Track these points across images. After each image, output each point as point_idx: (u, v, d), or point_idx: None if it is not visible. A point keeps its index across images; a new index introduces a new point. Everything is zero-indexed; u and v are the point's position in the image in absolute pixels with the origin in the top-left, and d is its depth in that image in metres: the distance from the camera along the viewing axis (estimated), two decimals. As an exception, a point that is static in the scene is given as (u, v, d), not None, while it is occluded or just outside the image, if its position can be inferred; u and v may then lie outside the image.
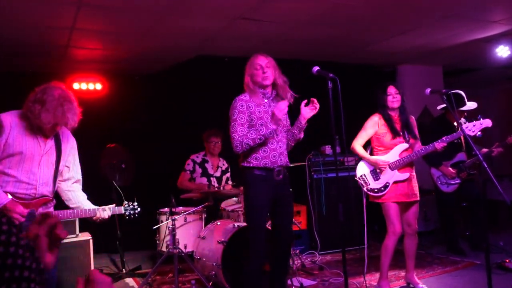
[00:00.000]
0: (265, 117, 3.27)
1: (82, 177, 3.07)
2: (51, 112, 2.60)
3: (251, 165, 3.26)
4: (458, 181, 5.02)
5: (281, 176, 3.32)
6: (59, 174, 2.89)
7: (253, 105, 3.26)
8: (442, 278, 4.37)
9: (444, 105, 4.93)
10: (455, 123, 5.00)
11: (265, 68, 3.27)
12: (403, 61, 7.08)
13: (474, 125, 3.72)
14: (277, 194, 3.31)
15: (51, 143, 2.78)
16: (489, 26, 5.28)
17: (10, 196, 2.64)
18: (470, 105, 4.83)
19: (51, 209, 2.86)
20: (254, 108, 3.26)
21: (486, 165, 2.79)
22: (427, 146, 3.82)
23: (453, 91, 4.64)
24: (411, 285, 4.07)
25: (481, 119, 3.74)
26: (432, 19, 4.89)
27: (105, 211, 2.92)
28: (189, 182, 5.20)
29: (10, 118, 2.65)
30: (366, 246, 4.10)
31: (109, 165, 5.04)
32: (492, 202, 6.46)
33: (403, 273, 4.41)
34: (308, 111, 3.29)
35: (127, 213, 3.19)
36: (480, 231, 5.27)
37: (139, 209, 3.24)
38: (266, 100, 3.33)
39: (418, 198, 3.95)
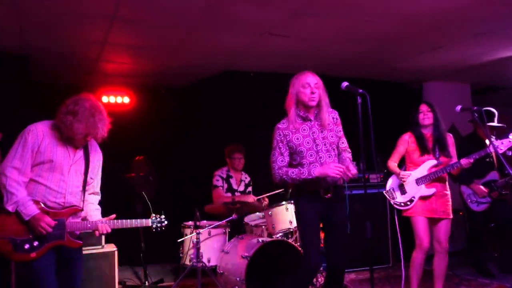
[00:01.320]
0: (305, 142, 3.15)
1: (109, 190, 3.10)
2: (83, 123, 2.68)
3: (299, 189, 3.22)
4: (489, 200, 4.91)
5: (329, 194, 3.15)
6: (87, 185, 2.93)
7: (290, 133, 3.16)
8: (470, 301, 4.25)
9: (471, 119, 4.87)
10: (486, 140, 4.90)
11: (314, 88, 3.13)
12: (430, 78, 7.00)
13: (502, 143, 3.70)
14: (327, 214, 3.17)
15: (80, 153, 2.85)
16: (518, 44, 5.20)
17: (39, 205, 2.69)
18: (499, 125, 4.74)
19: (79, 219, 2.89)
20: (292, 136, 3.15)
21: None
22: (452, 163, 3.85)
23: (485, 108, 4.55)
24: None
25: (510, 136, 3.71)
26: (461, 36, 4.84)
27: (105, 225, 2.87)
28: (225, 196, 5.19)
29: (43, 127, 2.74)
30: (402, 260, 4.05)
31: (137, 177, 5.10)
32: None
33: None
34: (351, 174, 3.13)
35: (154, 225, 3.18)
36: (510, 253, 5.12)
37: (166, 222, 3.23)
38: (307, 122, 3.20)
39: (450, 217, 3.93)
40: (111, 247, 4.41)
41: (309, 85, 3.13)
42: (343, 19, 4.18)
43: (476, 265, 5.26)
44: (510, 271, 5.07)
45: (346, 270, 5.32)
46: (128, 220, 3.00)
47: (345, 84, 2.99)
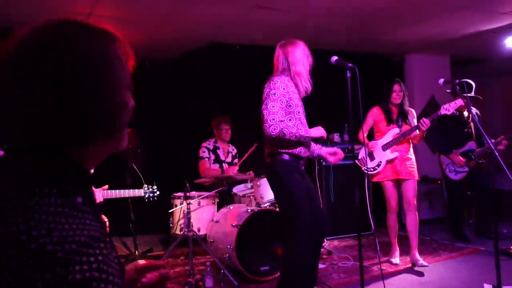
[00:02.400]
0: (299, 105, 3.17)
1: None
2: None
3: (285, 150, 3.10)
4: (467, 169, 5.14)
5: (303, 167, 3.26)
6: None
7: (292, 91, 3.10)
8: (447, 263, 4.50)
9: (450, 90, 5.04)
10: (465, 112, 5.11)
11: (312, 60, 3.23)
12: (411, 51, 7.13)
13: (449, 105, 4.07)
14: (305, 180, 3.23)
15: None
16: (498, 18, 5.34)
17: None
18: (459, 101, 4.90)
19: None
20: (293, 95, 3.10)
21: (497, 154, 2.88)
22: (413, 126, 4.29)
23: (464, 80, 4.77)
24: (414, 263, 4.35)
25: (456, 100, 4.11)
26: (442, 10, 4.94)
27: (98, 194, 3.00)
28: (212, 169, 5.30)
29: None
30: (373, 225, 4.24)
31: (126, 150, 5.14)
32: (499, 191, 6.57)
33: (409, 258, 4.56)
34: (330, 159, 3.29)
35: (146, 195, 3.31)
36: (485, 219, 5.40)
37: (158, 192, 3.36)
38: (301, 91, 3.20)
39: (414, 178, 4.37)
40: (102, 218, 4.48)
41: (311, 57, 3.24)
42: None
43: (454, 231, 5.52)
44: (484, 236, 5.36)
45: (329, 238, 5.59)
46: (122, 190, 3.14)
47: (334, 58, 3.06)
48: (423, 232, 4.46)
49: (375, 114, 4.56)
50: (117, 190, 3.11)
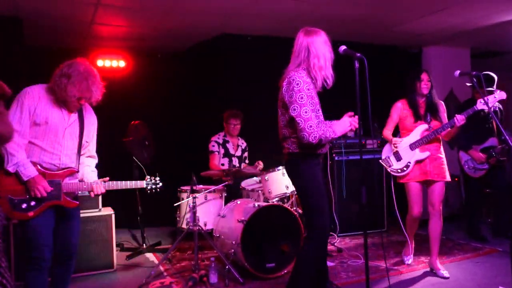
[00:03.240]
0: (319, 103, 2.97)
1: (106, 154, 3.14)
2: (77, 86, 2.73)
3: (310, 151, 2.96)
4: (486, 166, 4.91)
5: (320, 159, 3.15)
6: (82, 148, 2.99)
7: (312, 89, 2.90)
8: (462, 264, 4.33)
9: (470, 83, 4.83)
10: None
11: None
12: (429, 43, 6.90)
13: (488, 99, 3.69)
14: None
15: (74, 117, 2.90)
16: (521, 8, 5.10)
17: (37, 167, 2.77)
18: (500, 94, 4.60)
19: (76, 181, 2.96)
20: (314, 92, 2.92)
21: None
22: (445, 124, 3.88)
23: (484, 72, 4.50)
24: (434, 271, 4.04)
25: (496, 92, 3.80)
26: (463, 0, 4.73)
27: (100, 186, 2.96)
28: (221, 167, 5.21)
29: (38, 90, 2.79)
30: (402, 226, 4.12)
31: (133, 141, 5.09)
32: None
33: (423, 258, 4.40)
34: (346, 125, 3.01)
35: (148, 187, 3.26)
36: (504, 218, 5.18)
37: (161, 183, 3.30)
38: (318, 86, 2.99)
39: (444, 179, 3.99)
40: (108, 211, 4.45)
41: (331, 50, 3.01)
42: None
43: (470, 230, 5.33)
44: (502, 236, 5.14)
45: (340, 235, 5.46)
46: (123, 182, 3.10)
47: (342, 48, 2.92)
48: (442, 229, 4.31)
49: (399, 109, 4.10)
50: (119, 182, 3.06)
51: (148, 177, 3.30)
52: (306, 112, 2.79)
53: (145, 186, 3.24)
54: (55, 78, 2.75)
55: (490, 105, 3.66)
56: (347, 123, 2.94)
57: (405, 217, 4.20)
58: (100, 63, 6.26)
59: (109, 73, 6.23)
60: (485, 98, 3.68)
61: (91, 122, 3.04)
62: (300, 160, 2.97)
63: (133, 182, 3.16)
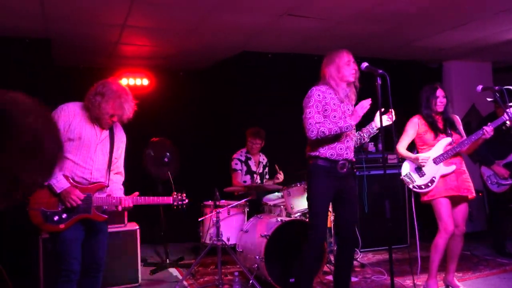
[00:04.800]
0: (338, 110, 3.28)
1: (130, 171, 3.29)
2: (110, 103, 2.87)
3: (317, 153, 3.28)
4: (510, 182, 4.86)
5: (345, 170, 3.31)
6: (112, 164, 3.09)
7: (329, 97, 3.27)
8: (488, 280, 4.27)
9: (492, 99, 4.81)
10: (508, 122, 4.84)
11: (354, 65, 3.29)
12: (450, 57, 6.88)
13: None
14: (340, 188, 3.33)
15: (106, 134, 3.03)
16: (543, 21, 5.07)
17: (69, 180, 2.88)
18: None
19: (105, 195, 3.04)
20: (330, 100, 3.26)
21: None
22: (471, 135, 3.78)
23: (506, 87, 4.47)
24: None
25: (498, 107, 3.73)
26: (484, 14, 4.75)
27: (128, 199, 3.05)
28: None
29: (73, 107, 2.95)
30: (418, 243, 4.08)
31: (150, 158, 5.17)
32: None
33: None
34: (383, 120, 3.22)
35: (175, 203, 3.30)
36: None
37: (187, 200, 3.35)
38: (340, 95, 3.34)
39: (472, 194, 3.86)
40: (133, 226, 4.53)
41: (351, 62, 3.29)
42: (363, -1, 4.14)
43: (495, 246, 5.26)
44: (529, 252, 5.06)
45: (363, 250, 5.43)
46: (150, 197, 3.17)
47: (365, 64, 2.99)
48: (463, 246, 4.25)
49: (417, 125, 3.95)
50: (147, 197, 3.14)
51: (175, 193, 3.35)
52: (309, 112, 3.22)
53: (171, 202, 3.30)
54: (89, 96, 2.90)
55: None
56: (358, 112, 3.21)
57: (428, 234, 4.04)
58: (124, 81, 6.42)
59: (133, 91, 6.18)
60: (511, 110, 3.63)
61: (121, 140, 3.15)
62: (309, 165, 3.34)
63: (160, 198, 3.23)
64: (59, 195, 2.81)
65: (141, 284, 4.45)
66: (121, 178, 3.23)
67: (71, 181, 2.87)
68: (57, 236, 2.86)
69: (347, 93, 3.38)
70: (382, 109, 3.16)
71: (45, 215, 2.81)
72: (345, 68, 3.27)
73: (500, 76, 7.55)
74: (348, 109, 3.35)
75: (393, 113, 3.32)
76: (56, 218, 2.83)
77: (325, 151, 3.26)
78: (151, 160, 5.19)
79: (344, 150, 3.30)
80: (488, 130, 3.68)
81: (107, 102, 2.86)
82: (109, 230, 3.91)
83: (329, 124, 3.17)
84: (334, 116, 3.25)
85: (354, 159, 3.43)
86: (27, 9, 4.09)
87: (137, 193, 3.14)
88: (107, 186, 3.06)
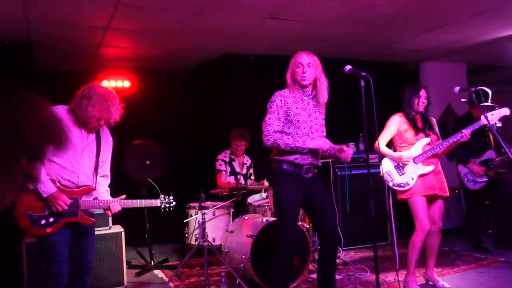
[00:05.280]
0: (302, 114, 3.25)
1: (113, 174, 3.28)
2: (97, 107, 2.87)
3: (281, 157, 3.26)
4: (486, 179, 5.03)
5: (310, 174, 3.30)
6: (99, 167, 3.10)
7: (292, 101, 3.24)
8: (466, 275, 4.41)
9: (467, 99, 4.99)
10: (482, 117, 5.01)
11: (305, 67, 3.21)
12: (426, 59, 7.07)
13: (492, 115, 3.79)
14: (307, 192, 3.30)
15: (92, 137, 3.03)
16: (515, 24, 5.28)
17: (56, 184, 2.87)
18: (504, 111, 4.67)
19: (92, 198, 3.06)
20: (292, 104, 3.23)
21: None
22: (450, 137, 3.89)
23: (480, 88, 4.65)
24: (431, 282, 4.10)
25: (498, 108, 3.85)
26: (458, 17, 4.90)
27: (116, 204, 3.06)
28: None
29: (60, 111, 2.94)
30: (395, 241, 4.16)
31: (130, 161, 5.15)
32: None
33: (417, 271, 4.48)
34: (344, 156, 3.34)
35: (162, 205, 3.34)
36: (505, 229, 5.29)
37: (174, 203, 3.38)
38: (305, 98, 3.30)
39: (446, 194, 3.98)
40: (118, 228, 4.52)
41: (302, 65, 3.23)
42: (344, 3, 4.24)
43: (472, 242, 5.42)
44: (504, 247, 5.24)
45: (345, 248, 5.54)
46: (138, 200, 3.19)
47: (348, 67, 3.07)
48: (441, 242, 4.39)
49: (398, 122, 4.01)
50: (134, 200, 3.16)
51: (162, 196, 3.38)
52: (269, 118, 3.23)
53: (159, 205, 3.33)
54: (76, 99, 2.90)
55: (494, 120, 3.76)
56: (323, 142, 3.22)
57: (407, 232, 4.11)
58: (105, 83, 6.39)
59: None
60: (490, 113, 3.78)
61: (108, 143, 3.16)
62: (273, 169, 3.33)
63: (148, 200, 3.26)
64: (46, 200, 2.81)
65: (127, 287, 4.45)
66: (107, 181, 3.25)
67: (58, 184, 2.87)
68: (44, 240, 2.87)
69: (310, 95, 3.33)
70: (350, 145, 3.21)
71: (32, 219, 2.81)
72: (295, 71, 3.25)
73: (474, 77, 7.79)
74: (315, 112, 3.33)
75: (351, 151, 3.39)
76: (43, 222, 2.83)
77: (289, 156, 3.23)
78: (132, 164, 5.16)
79: (309, 156, 3.26)
80: (466, 133, 3.80)
81: (94, 106, 2.86)
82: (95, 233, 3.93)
83: (287, 139, 3.17)
84: (298, 120, 3.23)
85: (320, 164, 3.42)
86: (9, 11, 4.05)
87: (124, 196, 3.16)
88: (94, 189, 3.07)
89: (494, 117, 3.79)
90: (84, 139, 2.97)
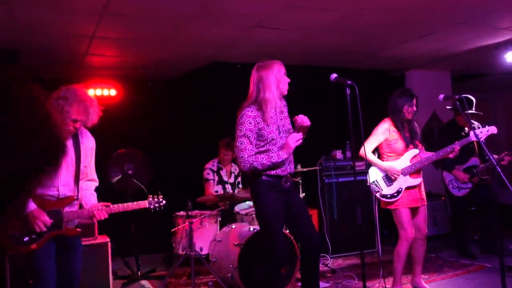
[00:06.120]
0: (274, 129, 3.19)
1: (101, 183, 3.15)
2: (74, 107, 2.71)
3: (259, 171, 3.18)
4: (470, 185, 5.09)
5: (288, 183, 3.28)
6: (81, 173, 2.93)
7: (261, 121, 3.15)
8: (453, 281, 4.44)
9: (452, 107, 5.06)
10: (466, 128, 5.07)
11: (287, 77, 3.24)
12: (411, 67, 7.16)
13: (481, 132, 3.84)
14: (288, 201, 3.28)
15: (69, 143, 2.85)
16: (498, 33, 5.36)
17: (35, 200, 2.73)
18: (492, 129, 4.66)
19: (76, 208, 2.93)
20: (263, 124, 3.15)
21: (500, 170, 2.87)
22: (438, 152, 3.91)
23: (464, 95, 4.70)
24: None
25: (487, 126, 3.88)
26: (442, 26, 4.97)
27: (102, 211, 2.91)
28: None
29: None
30: (380, 250, 4.17)
31: (116, 172, 5.07)
32: (503, 206, 6.52)
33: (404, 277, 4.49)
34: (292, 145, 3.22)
35: (152, 206, 3.20)
36: (490, 235, 5.34)
37: (164, 201, 3.26)
38: (273, 111, 3.23)
39: (425, 203, 4.02)
40: (104, 239, 4.47)
41: (285, 74, 3.24)
42: (331, 12, 4.27)
43: (459, 248, 5.46)
44: (490, 253, 5.28)
45: (333, 256, 5.54)
46: (125, 204, 3.04)
47: (334, 75, 3.09)
48: (428, 249, 4.41)
49: (388, 131, 3.94)
50: (120, 204, 3.02)
51: (151, 196, 3.25)
52: (241, 143, 3.12)
53: (147, 206, 3.18)
54: (51, 101, 2.70)
55: (482, 138, 3.77)
56: (291, 143, 3.13)
57: (393, 239, 4.10)
58: (92, 92, 6.34)
59: (100, 101, 6.21)
60: (478, 130, 3.83)
61: (89, 146, 2.98)
62: (254, 182, 3.23)
63: (135, 202, 3.10)
64: (25, 217, 2.66)
65: (113, 298, 4.40)
66: (93, 184, 3.09)
67: (38, 199, 2.73)
68: (30, 256, 2.75)
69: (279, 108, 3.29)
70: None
71: (13, 238, 2.69)
72: (282, 81, 3.22)
73: (458, 84, 7.90)
74: (280, 114, 3.28)
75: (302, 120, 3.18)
76: (26, 239, 2.71)
77: (270, 171, 3.18)
78: (115, 175, 5.08)
79: (286, 165, 3.25)
80: (456, 150, 3.81)
81: (71, 105, 2.70)
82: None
83: (263, 158, 3.10)
84: (273, 139, 3.17)
85: (293, 170, 3.41)
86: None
87: (109, 203, 3.03)
88: (77, 199, 2.92)
89: (482, 134, 3.83)
90: None
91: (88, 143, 2.98)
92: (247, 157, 3.10)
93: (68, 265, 2.92)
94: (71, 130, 2.80)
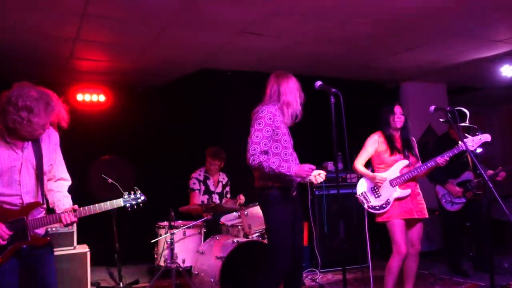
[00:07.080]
0: (287, 134, 3.24)
1: (75, 194, 2.88)
2: (43, 115, 2.44)
3: (270, 183, 3.14)
4: (463, 200, 4.95)
5: (295, 192, 3.29)
6: (46, 175, 2.69)
7: (280, 121, 3.15)
8: (445, 300, 4.28)
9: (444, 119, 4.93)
10: (460, 142, 4.94)
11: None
12: (406, 78, 7.06)
13: (473, 140, 3.71)
14: (293, 213, 3.24)
15: (28, 146, 2.59)
16: (493, 45, 5.28)
17: None
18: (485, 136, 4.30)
19: (42, 214, 2.68)
20: (281, 124, 3.16)
21: (491, 185, 2.74)
22: (428, 162, 3.78)
23: (457, 108, 4.58)
24: None
25: (480, 134, 3.76)
26: (436, 37, 4.89)
27: (69, 215, 2.63)
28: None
29: None
30: (370, 265, 4.02)
31: (96, 181, 4.89)
32: (498, 222, 6.36)
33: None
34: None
35: (128, 204, 2.85)
36: (484, 252, 5.18)
37: (143, 197, 2.94)
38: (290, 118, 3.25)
39: (425, 216, 3.86)
40: (83, 248, 4.32)
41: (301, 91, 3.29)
42: (322, 19, 4.18)
43: (451, 265, 5.31)
44: (484, 270, 5.11)
45: (322, 270, 5.37)
46: (96, 205, 2.68)
47: (318, 83, 2.98)
48: (420, 265, 4.25)
49: (377, 142, 3.90)
50: (91, 206, 2.72)
51: (126, 193, 2.94)
52: (257, 136, 3.05)
53: (123, 204, 2.79)
54: (8, 115, 2.38)
55: (474, 146, 3.69)
56: (305, 169, 3.05)
57: (384, 254, 4.00)
58: (80, 97, 6.24)
59: (89, 107, 6.24)
60: (471, 138, 3.71)
61: (52, 143, 2.70)
62: (267, 195, 3.16)
63: (108, 202, 2.73)
64: None
65: (92, 310, 4.23)
66: (65, 184, 2.82)
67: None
68: None
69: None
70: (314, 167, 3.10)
71: None
72: (300, 96, 3.25)
73: (455, 97, 7.80)
74: (289, 134, 3.31)
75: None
76: None
77: (280, 183, 3.15)
78: (94, 183, 4.91)
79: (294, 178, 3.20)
80: (441, 162, 3.72)
81: (38, 115, 2.40)
82: (57, 253, 3.71)
83: (273, 162, 3.02)
84: (285, 141, 3.19)
85: (299, 180, 3.34)
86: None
87: (76, 206, 2.79)
88: (42, 204, 2.66)
89: (474, 142, 3.71)
90: (18, 154, 2.53)
91: (51, 141, 2.70)
92: (259, 152, 3.03)
93: (42, 277, 2.66)
94: (41, 133, 2.57)
